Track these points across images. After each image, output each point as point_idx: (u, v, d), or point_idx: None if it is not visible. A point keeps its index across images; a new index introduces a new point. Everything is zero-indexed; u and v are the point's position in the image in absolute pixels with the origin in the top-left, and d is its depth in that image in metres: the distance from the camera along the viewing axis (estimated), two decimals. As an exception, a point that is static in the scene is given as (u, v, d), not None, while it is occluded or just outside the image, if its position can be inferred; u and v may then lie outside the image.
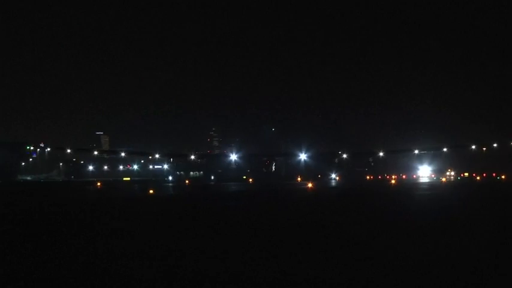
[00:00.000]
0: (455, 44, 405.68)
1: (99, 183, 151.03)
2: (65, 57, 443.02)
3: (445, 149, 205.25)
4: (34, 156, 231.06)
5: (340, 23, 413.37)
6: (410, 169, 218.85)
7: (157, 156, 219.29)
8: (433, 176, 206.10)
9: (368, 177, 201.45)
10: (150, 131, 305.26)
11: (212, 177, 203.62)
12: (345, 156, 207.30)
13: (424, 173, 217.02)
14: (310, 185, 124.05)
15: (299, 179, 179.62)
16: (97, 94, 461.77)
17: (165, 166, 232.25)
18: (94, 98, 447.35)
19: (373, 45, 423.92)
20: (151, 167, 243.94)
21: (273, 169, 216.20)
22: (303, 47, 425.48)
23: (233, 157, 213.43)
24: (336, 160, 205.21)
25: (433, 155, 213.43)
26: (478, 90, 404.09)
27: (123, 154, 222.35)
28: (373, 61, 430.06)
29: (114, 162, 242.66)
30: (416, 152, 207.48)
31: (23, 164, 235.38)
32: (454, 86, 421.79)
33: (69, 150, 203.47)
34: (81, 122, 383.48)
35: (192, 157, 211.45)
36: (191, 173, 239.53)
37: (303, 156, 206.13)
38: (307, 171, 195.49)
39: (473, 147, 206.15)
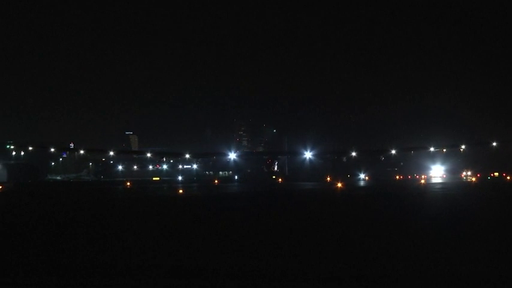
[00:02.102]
0: (474, 32, 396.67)
1: (128, 183, 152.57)
2: (94, 58, 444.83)
3: (463, 147, 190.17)
4: (64, 156, 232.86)
5: (348, 12, 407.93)
6: (424, 169, 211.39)
7: (148, 155, 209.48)
8: (463, 175, 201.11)
9: (398, 177, 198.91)
10: (180, 131, 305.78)
11: (236, 177, 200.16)
12: (354, 154, 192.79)
13: (437, 173, 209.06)
14: (342, 185, 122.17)
15: (328, 178, 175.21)
16: (126, 94, 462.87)
17: (194, 166, 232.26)
18: (123, 99, 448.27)
19: (385, 36, 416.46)
20: (180, 166, 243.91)
21: (275, 168, 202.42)
22: (313, 39, 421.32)
23: (232, 156, 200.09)
24: (345, 159, 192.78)
25: (448, 154, 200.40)
26: (500, 82, 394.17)
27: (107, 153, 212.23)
28: (386, 54, 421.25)
29: (144, 161, 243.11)
30: (432, 149, 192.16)
31: (53, 164, 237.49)
32: (474, 78, 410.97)
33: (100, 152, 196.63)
34: (111, 122, 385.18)
35: (187, 156, 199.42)
36: (220, 172, 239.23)
37: (308, 155, 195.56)
38: (336, 171, 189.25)
39: (494, 144, 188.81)
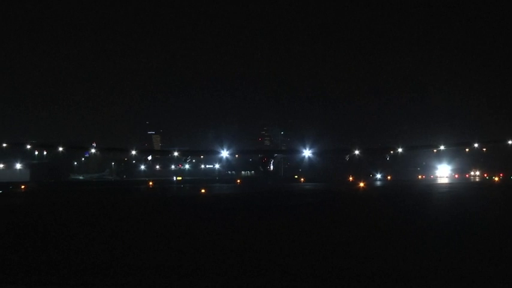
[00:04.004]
0: (484, 27, 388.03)
1: (151, 183, 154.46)
2: (116, 56, 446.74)
3: (476, 145, 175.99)
4: (86, 155, 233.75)
5: (352, 7, 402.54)
6: (430, 168, 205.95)
7: (133, 152, 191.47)
8: (485, 175, 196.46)
9: (420, 176, 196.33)
10: (202, 131, 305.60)
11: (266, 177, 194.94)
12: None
13: (444, 172, 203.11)
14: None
15: (351, 178, 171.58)
16: (148, 94, 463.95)
17: (216, 166, 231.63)
18: (146, 98, 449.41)
19: (392, 30, 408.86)
20: (202, 166, 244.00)
21: (271, 168, 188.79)
22: (317, 34, 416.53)
23: (224, 154, 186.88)
24: (347, 157, 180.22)
25: (454, 153, 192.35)
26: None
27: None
28: (393, 49, 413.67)
29: (166, 161, 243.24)
30: (442, 148, 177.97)
31: (75, 163, 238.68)
32: (485, 74, 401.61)
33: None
34: (133, 122, 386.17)
35: (176, 154, 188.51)
36: (242, 172, 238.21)
37: (307, 153, 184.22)
38: (357, 169, 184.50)
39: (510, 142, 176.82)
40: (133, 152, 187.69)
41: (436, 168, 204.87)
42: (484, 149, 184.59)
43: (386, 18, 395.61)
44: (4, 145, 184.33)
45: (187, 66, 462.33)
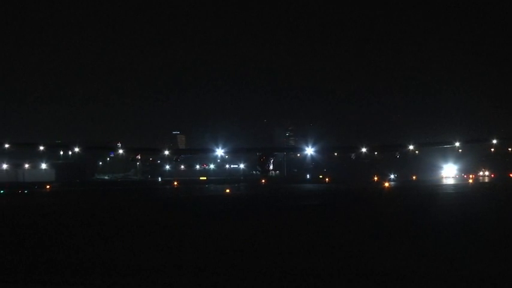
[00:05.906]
0: (494, 22, 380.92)
1: (176, 183, 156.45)
2: (140, 57, 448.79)
3: (494, 141, 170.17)
4: (111, 155, 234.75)
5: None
6: (435, 168, 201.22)
7: (120, 151, 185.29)
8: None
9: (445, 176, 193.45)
10: (227, 130, 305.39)
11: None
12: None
13: (450, 172, 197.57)
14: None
15: (375, 178, 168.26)
16: (173, 94, 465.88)
17: (241, 165, 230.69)
18: (170, 98, 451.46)
19: (401, 24, 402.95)
20: (227, 166, 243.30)
21: (271, 167, 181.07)
22: (325, 31, 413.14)
23: (219, 152, 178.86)
24: (353, 156, 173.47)
25: (461, 152, 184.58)
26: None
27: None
28: (401, 43, 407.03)
29: (191, 161, 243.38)
30: (457, 144, 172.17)
31: (100, 163, 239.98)
32: (495, 70, 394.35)
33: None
34: (158, 122, 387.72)
35: (166, 152, 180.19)
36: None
37: (309, 151, 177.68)
38: (379, 169, 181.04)
39: None
40: (121, 151, 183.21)
41: (442, 168, 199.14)
42: (510, 149, 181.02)
43: (400, 15, 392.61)
44: (30, 145, 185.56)
45: (211, 66, 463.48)
